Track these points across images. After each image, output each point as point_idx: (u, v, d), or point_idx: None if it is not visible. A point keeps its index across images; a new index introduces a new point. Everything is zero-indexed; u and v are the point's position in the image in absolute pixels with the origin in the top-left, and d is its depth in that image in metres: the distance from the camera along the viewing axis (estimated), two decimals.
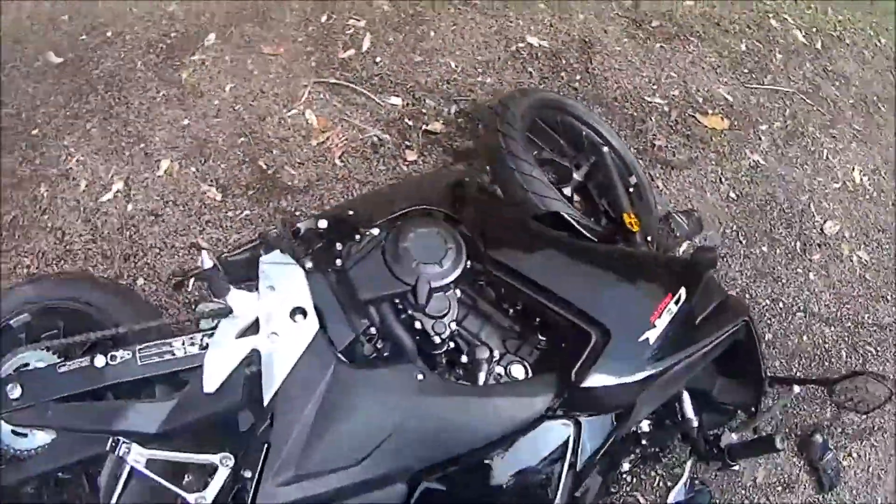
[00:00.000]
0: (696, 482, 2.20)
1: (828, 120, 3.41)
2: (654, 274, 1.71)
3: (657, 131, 3.21)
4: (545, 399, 1.42)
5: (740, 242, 2.93)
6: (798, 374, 2.65)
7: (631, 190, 2.59)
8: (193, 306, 2.51)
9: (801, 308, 2.80)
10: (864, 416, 2.44)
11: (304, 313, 1.49)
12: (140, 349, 1.59)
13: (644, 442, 1.74)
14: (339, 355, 1.48)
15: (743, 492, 2.41)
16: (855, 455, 2.53)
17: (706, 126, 3.24)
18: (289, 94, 3.08)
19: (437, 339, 1.52)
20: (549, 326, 1.61)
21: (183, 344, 1.61)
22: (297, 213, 2.80)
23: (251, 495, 1.35)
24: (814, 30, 3.79)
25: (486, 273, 1.63)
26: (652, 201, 2.71)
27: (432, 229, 1.61)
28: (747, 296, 2.80)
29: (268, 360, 1.47)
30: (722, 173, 3.09)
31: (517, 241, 1.76)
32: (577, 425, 1.45)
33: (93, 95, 3.12)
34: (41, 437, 1.64)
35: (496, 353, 1.55)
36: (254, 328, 1.52)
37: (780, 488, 2.44)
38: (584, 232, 1.97)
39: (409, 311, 1.55)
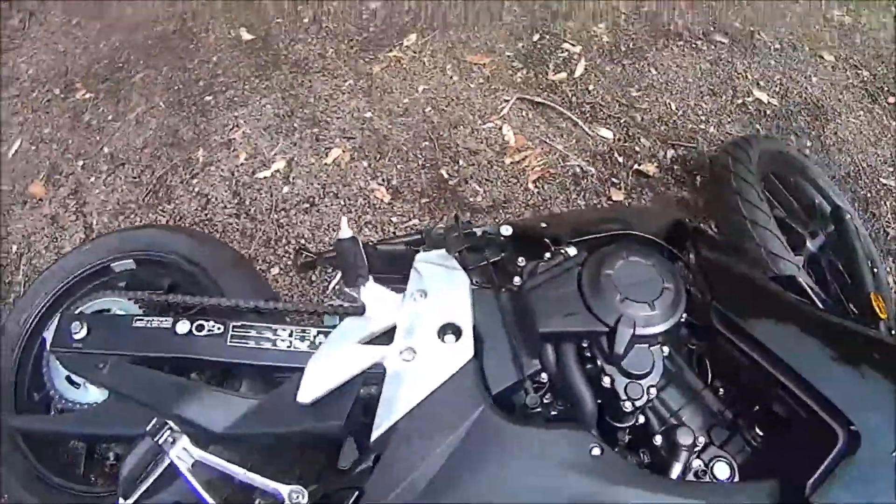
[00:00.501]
0: None
1: None
2: None
3: (892, 218, 2.59)
4: None
5: None
6: None
7: (875, 270, 2.04)
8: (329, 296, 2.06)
9: None
10: None
11: (458, 334, 1.13)
12: (235, 326, 1.28)
13: None
14: (492, 399, 1.07)
15: None
16: None
17: None
18: (487, 105, 2.69)
19: (628, 406, 1.08)
20: (772, 419, 1.11)
21: (291, 335, 1.27)
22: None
23: None
24: None
25: (707, 333, 1.16)
26: (889, 293, 2.15)
27: (647, 261, 1.18)
28: None
29: (393, 382, 1.09)
30: None
31: (754, 299, 1.26)
32: None
33: (276, 73, 2.88)
34: (94, 394, 1.37)
35: (699, 442, 1.09)
36: (386, 338, 1.15)
37: None
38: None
39: (599, 362, 1.12)
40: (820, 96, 2.94)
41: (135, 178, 2.63)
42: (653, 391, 1.09)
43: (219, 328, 1.29)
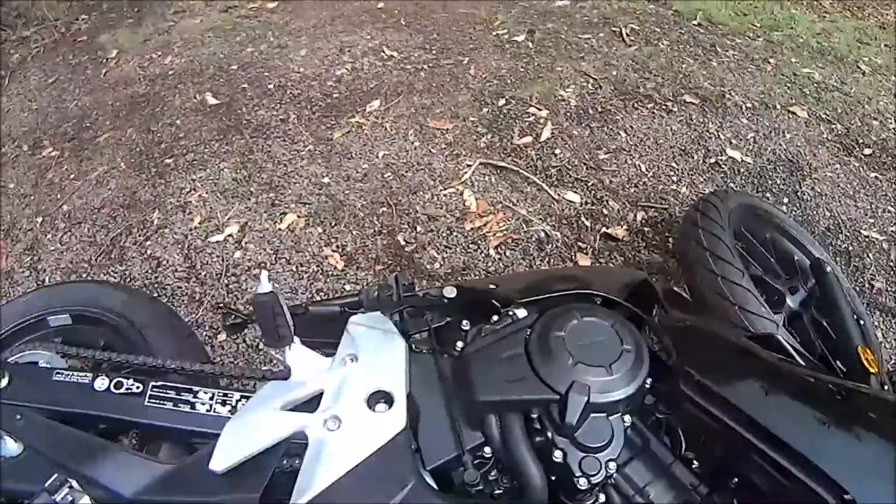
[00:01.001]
0: None
1: None
2: None
3: (875, 271, 2.48)
4: None
5: None
6: None
7: (861, 323, 1.89)
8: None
9: None
10: None
11: (390, 402, 1.00)
12: (154, 385, 1.21)
13: None
14: (425, 474, 0.94)
15: None
16: None
17: None
18: (448, 171, 2.62)
19: (584, 483, 0.93)
20: (752, 493, 0.96)
21: (212, 398, 1.19)
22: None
23: None
24: None
25: (674, 399, 1.02)
26: (877, 346, 2.01)
27: (605, 321, 1.04)
28: None
29: (314, 453, 0.96)
30: None
31: (725, 359, 1.12)
32: None
33: (237, 137, 2.83)
34: (11, 447, 1.26)
35: None
36: (311, 405, 1.04)
37: None
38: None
39: (550, 433, 0.98)
40: (795, 152, 2.87)
41: (90, 237, 2.56)
42: (612, 466, 0.95)
43: (137, 387, 1.23)
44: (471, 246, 2.38)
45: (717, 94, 3.07)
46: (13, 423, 1.22)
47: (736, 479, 0.98)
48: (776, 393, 1.05)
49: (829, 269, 1.94)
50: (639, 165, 2.69)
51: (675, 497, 0.98)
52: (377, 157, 2.69)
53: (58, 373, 1.28)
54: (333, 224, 2.45)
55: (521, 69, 3.10)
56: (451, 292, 1.19)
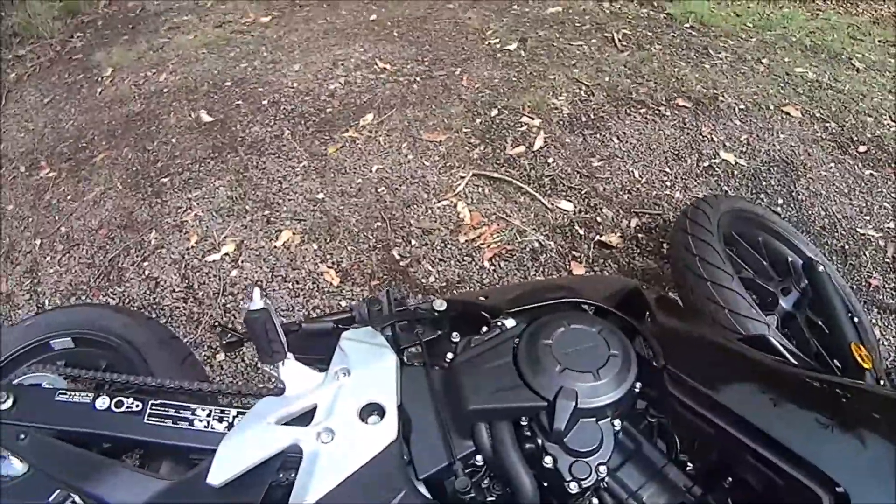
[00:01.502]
0: None
1: None
2: None
3: (872, 268, 2.49)
4: None
5: None
6: None
7: (856, 321, 1.88)
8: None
9: None
10: None
11: (382, 414, 1.03)
12: (154, 403, 1.26)
13: None
14: (418, 484, 0.97)
15: None
16: None
17: None
18: (442, 183, 2.63)
19: (574, 487, 0.95)
20: (746, 493, 0.97)
21: (209, 415, 1.24)
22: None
23: None
24: None
25: (664, 402, 1.03)
26: (875, 343, 1.98)
27: (591, 327, 1.07)
28: None
29: (308, 465, 1.00)
30: None
31: (713, 359, 1.14)
32: None
33: (231, 155, 2.84)
34: (17, 467, 1.33)
35: None
36: (306, 419, 1.07)
37: None
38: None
39: (540, 440, 0.99)
40: (789, 152, 2.87)
41: (88, 259, 2.58)
42: (603, 470, 0.97)
43: (137, 405, 1.28)
44: (465, 258, 2.39)
45: (710, 97, 3.07)
46: (18, 443, 1.26)
47: (730, 479, 0.99)
48: (764, 391, 1.05)
49: (821, 268, 1.96)
50: (632, 171, 2.70)
51: (668, 499, 0.99)
52: (371, 171, 2.70)
53: (60, 393, 1.33)
54: (329, 240, 2.46)
55: (514, 78, 3.11)
56: (441, 305, 1.20)
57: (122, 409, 1.28)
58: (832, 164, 2.84)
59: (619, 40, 3.44)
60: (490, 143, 2.80)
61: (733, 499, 0.98)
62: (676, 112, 2.98)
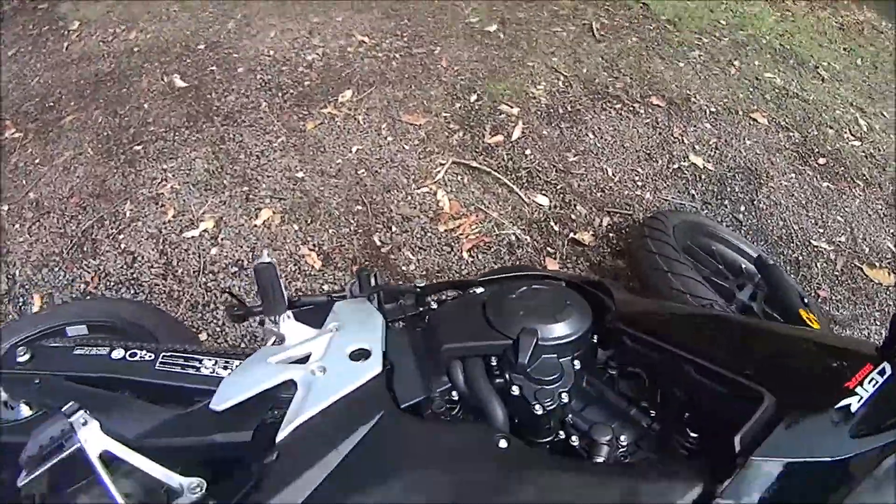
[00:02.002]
0: None
1: None
2: (843, 346, 1.26)
3: (822, 280, 2.68)
4: (699, 485, 0.88)
5: None
6: None
7: (806, 301, 2.08)
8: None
9: None
10: None
11: (368, 356, 1.16)
12: (164, 354, 1.37)
13: None
14: (397, 403, 1.10)
15: None
16: None
17: (872, 280, 2.70)
18: (422, 169, 2.66)
19: (539, 410, 1.07)
20: (700, 416, 1.09)
21: (215, 364, 1.36)
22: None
23: None
24: None
25: (624, 353, 1.20)
26: (824, 318, 2.22)
27: (553, 289, 1.24)
28: None
29: (303, 392, 1.11)
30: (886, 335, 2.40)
31: (664, 310, 1.39)
32: None
33: (207, 125, 2.79)
34: (25, 413, 1.40)
35: (623, 442, 1.09)
36: (301, 362, 1.21)
37: None
38: None
39: (507, 375, 1.13)
40: (754, 160, 3.01)
41: (60, 228, 2.52)
42: (565, 397, 1.09)
43: (150, 356, 1.38)
44: (444, 248, 2.45)
45: (683, 98, 3.17)
46: (29, 388, 1.33)
47: (686, 414, 1.09)
48: (701, 324, 1.26)
49: (771, 261, 2.14)
50: (606, 169, 2.79)
51: (631, 432, 1.12)
52: (351, 151, 2.70)
53: (78, 348, 1.41)
54: (309, 221, 2.48)
55: (493, 62, 3.14)
56: (421, 283, 1.37)
57: (136, 358, 1.38)
58: (792, 175, 3.00)
59: (598, 30, 3.50)
60: (469, 129, 2.84)
61: (691, 428, 1.07)
62: (650, 110, 3.07)
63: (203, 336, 2.18)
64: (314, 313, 1.34)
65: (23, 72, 3.23)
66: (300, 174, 2.62)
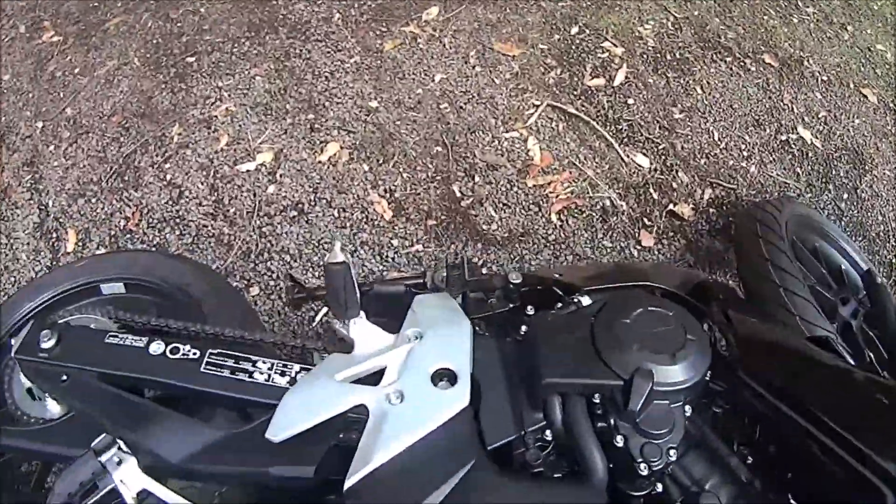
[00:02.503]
0: None
1: None
2: None
3: None
4: None
5: None
6: None
7: None
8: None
9: None
10: None
11: (454, 380, 1.01)
12: (212, 353, 1.18)
13: None
14: (487, 454, 0.96)
15: None
16: None
17: None
18: (512, 109, 2.32)
19: (644, 469, 0.94)
20: (808, 488, 0.99)
21: (271, 368, 1.17)
22: (485, 268, 2.01)
23: None
24: None
25: (734, 394, 1.05)
26: None
27: (669, 311, 1.06)
28: None
29: (375, 426, 0.97)
30: None
31: (787, 354, 1.16)
32: None
33: (271, 36, 2.43)
34: (53, 410, 1.28)
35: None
36: (373, 379, 1.04)
37: None
38: None
39: (612, 419, 0.99)
40: (861, 142, 2.69)
41: (99, 151, 2.26)
42: (672, 454, 0.97)
43: (195, 353, 1.19)
44: (531, 206, 2.16)
45: (796, 60, 2.78)
46: (57, 384, 1.18)
47: (790, 475, 0.99)
48: (834, 386, 1.07)
49: (879, 280, 1.94)
50: (712, 132, 2.45)
51: (730, 490, 1.00)
52: (433, 80, 2.36)
53: (111, 335, 1.23)
54: (381, 161, 2.17)
55: None
56: (516, 278, 1.20)
57: (178, 355, 1.19)
58: None
59: None
60: (568, 67, 2.47)
61: (793, 493, 0.97)
62: (762, 69, 2.69)
63: (255, 290, 1.94)
64: (391, 305, 1.23)
65: None
66: (374, 103, 2.28)
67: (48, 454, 1.25)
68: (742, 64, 2.68)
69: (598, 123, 2.34)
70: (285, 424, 0.99)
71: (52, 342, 1.23)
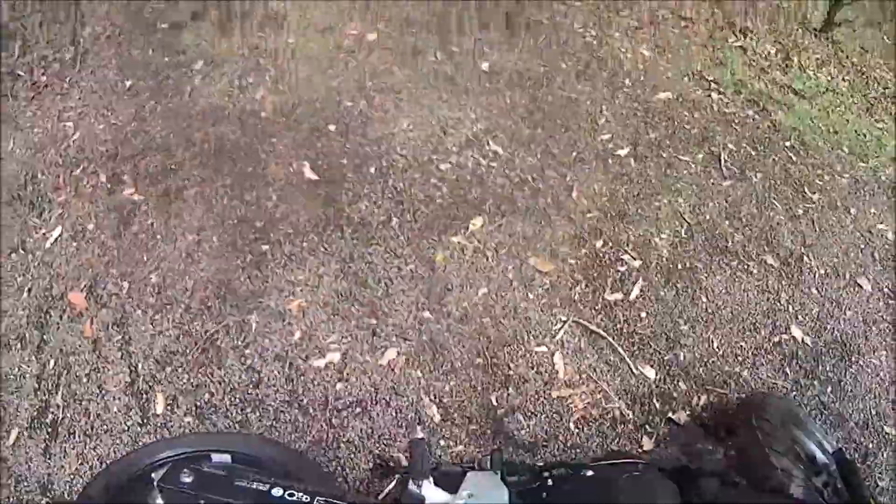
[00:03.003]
0: None
1: None
2: None
3: (885, 468, 2.74)
4: None
5: None
6: None
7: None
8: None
9: None
10: None
11: None
12: (319, 499, 1.54)
13: None
14: None
15: None
16: None
17: None
18: (543, 324, 2.77)
19: None
20: None
21: None
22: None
23: None
24: None
25: None
26: None
27: (665, 484, 1.58)
28: None
29: None
30: None
31: None
32: None
33: (337, 234, 2.87)
34: None
35: None
36: None
37: None
38: None
39: None
40: (850, 333, 3.07)
41: (183, 324, 2.65)
42: None
43: (307, 499, 1.53)
44: (554, 416, 2.60)
45: (797, 257, 3.19)
46: None
47: None
48: None
49: (848, 457, 2.23)
50: (712, 341, 2.88)
51: None
52: (477, 294, 2.79)
53: (238, 480, 1.56)
54: (432, 369, 2.61)
55: (623, 199, 3.13)
56: (539, 462, 1.86)
57: (294, 498, 1.52)
58: (883, 353, 3.05)
59: (725, 160, 3.43)
60: (591, 281, 2.91)
61: None
62: (763, 270, 3.10)
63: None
64: (450, 479, 1.61)
65: (141, 114, 3.21)
66: (426, 314, 2.72)
67: None
68: (745, 267, 3.10)
69: (614, 339, 2.77)
70: None
71: (190, 478, 1.55)
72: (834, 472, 2.30)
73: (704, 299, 2.98)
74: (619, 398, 2.68)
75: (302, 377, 2.55)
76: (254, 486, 1.54)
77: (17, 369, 2.53)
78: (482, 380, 2.62)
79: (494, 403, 2.59)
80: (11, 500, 2.22)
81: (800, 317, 3.05)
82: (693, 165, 3.38)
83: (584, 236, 3.01)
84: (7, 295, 2.70)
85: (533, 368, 2.68)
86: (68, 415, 2.43)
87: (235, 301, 2.69)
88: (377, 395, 2.54)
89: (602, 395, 2.67)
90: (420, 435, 1.64)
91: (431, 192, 3.02)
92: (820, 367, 2.93)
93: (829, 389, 2.89)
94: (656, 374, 2.76)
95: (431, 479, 1.53)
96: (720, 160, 3.46)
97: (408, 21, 4.03)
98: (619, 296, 2.89)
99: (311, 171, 3.02)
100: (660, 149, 3.42)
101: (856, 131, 4.00)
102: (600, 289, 2.89)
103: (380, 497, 2.34)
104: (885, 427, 2.86)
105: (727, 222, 3.21)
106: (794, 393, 2.87)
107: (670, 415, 2.68)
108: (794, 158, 3.64)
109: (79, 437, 2.38)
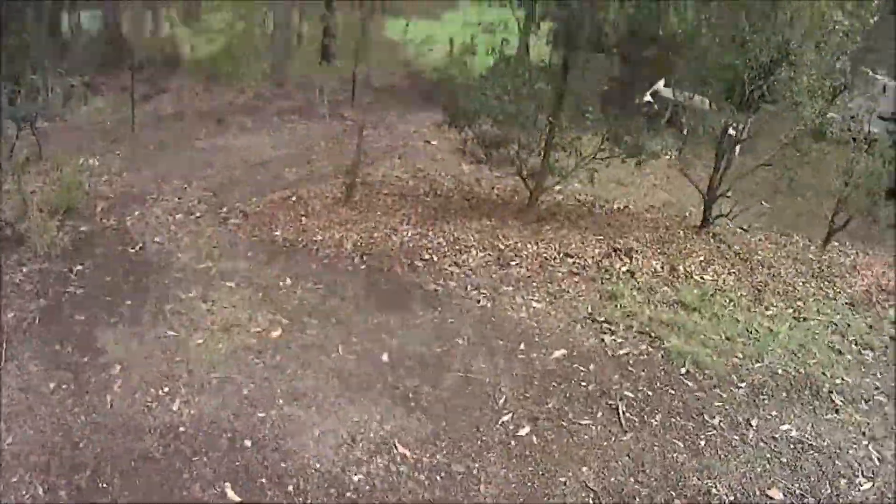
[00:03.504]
0: None
1: None
2: None
3: None
4: None
5: None
6: None
7: None
8: None
9: None
10: None
11: None
12: None
13: None
14: None
15: None
16: None
17: None
18: None
19: None
20: None
21: None
22: None
23: None
24: None
25: None
26: None
27: None
28: None
29: None
30: None
31: None
32: None
33: None
34: None
35: None
36: None
37: None
38: None
39: None
40: None
41: None
42: None
43: None
44: None
45: (704, 491, 3.37)
46: None
47: None
48: None
49: None
50: None
51: None
52: None
53: None
54: None
55: (528, 482, 3.33)
56: None
57: None
58: None
59: (624, 411, 3.70)
60: None
61: None
62: None
63: None
64: None
65: (67, 420, 3.50)
66: None
67: None
68: None
69: None
70: None
71: None
72: None
73: None
74: None
75: None
76: None
77: None
78: None
79: None
80: None
81: None
82: (593, 427, 3.63)
83: None
84: None
85: None
86: None
87: None
88: None
89: None
90: None
91: None
92: None
93: None
94: None
95: None
96: (619, 413, 3.72)
97: (308, 312, 4.45)
98: None
99: (233, 492, 3.20)
100: (559, 418, 3.67)
101: (747, 330, 4.32)
102: None
103: None
104: None
105: (632, 479, 3.41)
106: None
107: None
108: (690, 385, 3.91)
109: None
